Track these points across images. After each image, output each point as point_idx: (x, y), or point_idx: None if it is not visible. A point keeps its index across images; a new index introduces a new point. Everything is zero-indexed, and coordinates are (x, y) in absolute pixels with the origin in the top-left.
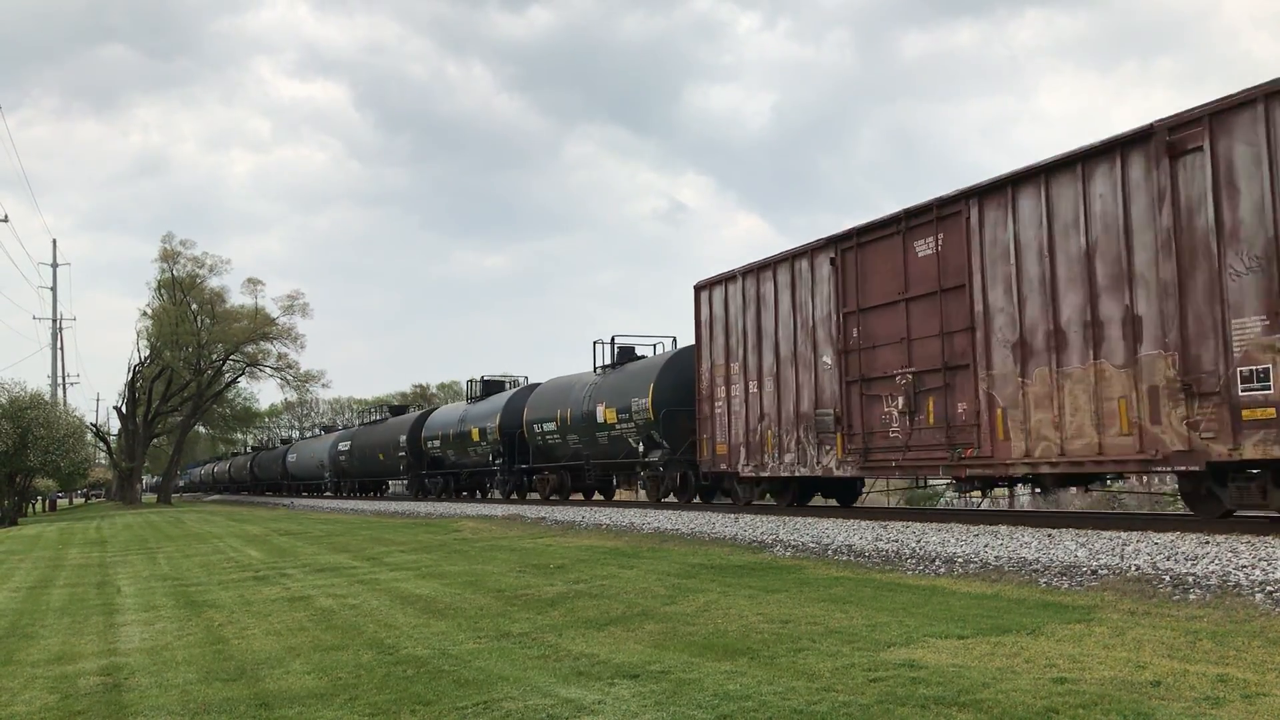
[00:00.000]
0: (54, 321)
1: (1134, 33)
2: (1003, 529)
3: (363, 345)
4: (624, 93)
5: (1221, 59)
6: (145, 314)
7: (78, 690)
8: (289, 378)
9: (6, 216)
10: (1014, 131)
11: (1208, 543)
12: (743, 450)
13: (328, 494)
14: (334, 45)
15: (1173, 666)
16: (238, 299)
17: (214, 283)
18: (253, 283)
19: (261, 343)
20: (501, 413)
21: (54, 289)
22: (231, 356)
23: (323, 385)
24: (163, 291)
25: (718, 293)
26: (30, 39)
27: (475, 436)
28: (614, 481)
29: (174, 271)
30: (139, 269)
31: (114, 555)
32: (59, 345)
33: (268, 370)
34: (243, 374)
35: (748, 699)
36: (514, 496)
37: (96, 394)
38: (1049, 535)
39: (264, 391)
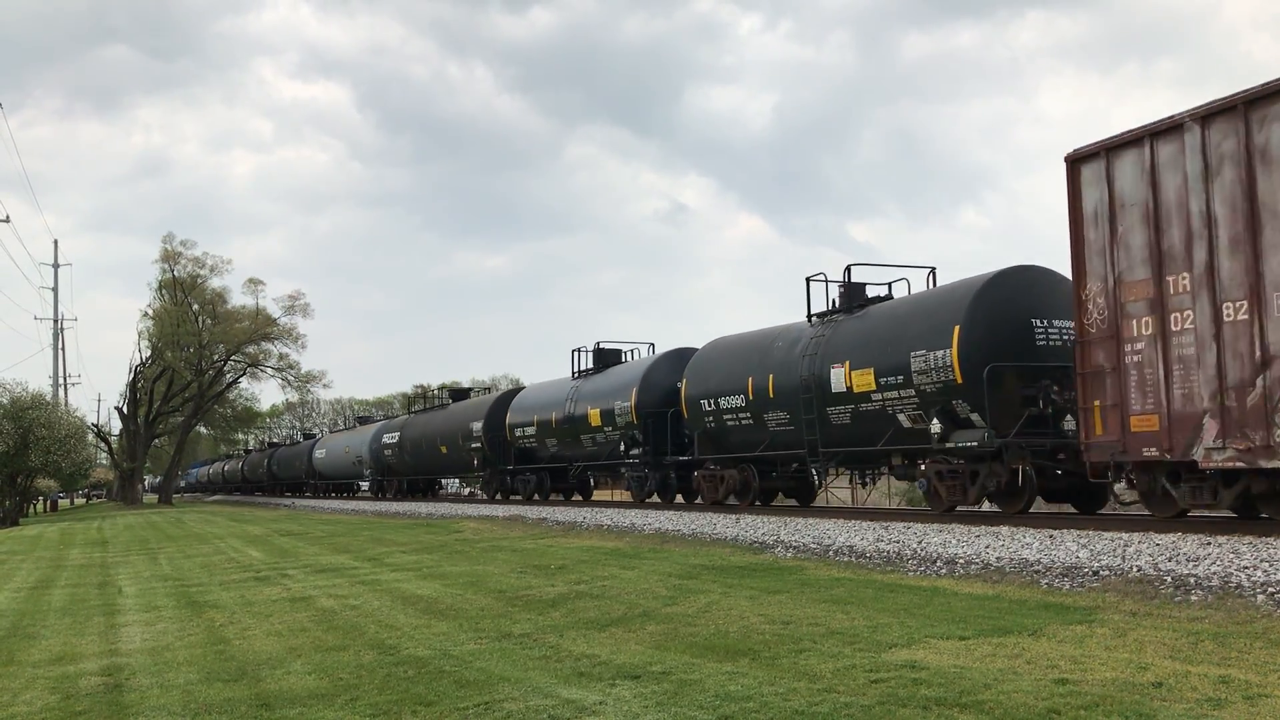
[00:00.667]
0: (55, 322)
1: (1135, 34)
2: (1004, 530)
3: (364, 346)
4: (625, 94)
5: (1222, 61)
6: (146, 314)
7: (79, 690)
8: (290, 378)
9: (8, 217)
10: (1015, 133)
11: (1209, 544)
12: (1208, 424)
13: (365, 495)
14: (336, 46)
15: (1174, 668)
16: (239, 299)
17: (215, 283)
18: (254, 283)
19: (263, 343)
20: (639, 387)
21: (55, 289)
22: (233, 357)
23: (324, 385)
24: (164, 292)
25: (1128, 163)
26: (33, 39)
27: (595, 420)
28: (817, 480)
29: (175, 272)
30: (140, 269)
31: (115, 555)
32: (60, 345)
33: (269, 371)
34: (244, 374)
35: (749, 700)
36: (654, 498)
37: (98, 394)
38: (1050, 536)
39: (265, 392)
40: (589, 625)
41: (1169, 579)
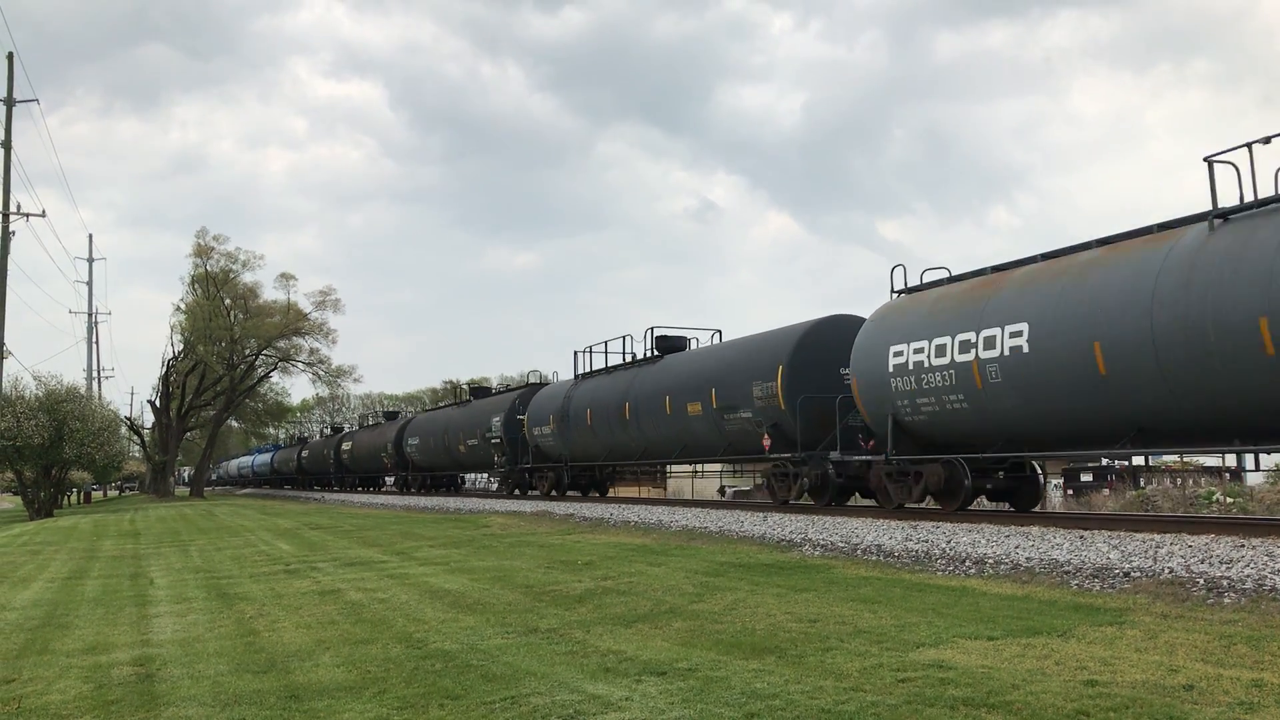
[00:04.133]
0: (89, 315)
1: (1168, 34)
2: (1034, 530)
3: (394, 341)
4: (656, 92)
5: (1258, 60)
6: (179, 309)
7: (111, 680)
8: (321, 373)
9: (44, 212)
10: (1047, 132)
11: (1243, 546)
12: None
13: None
14: (370, 45)
15: (1206, 671)
16: (271, 294)
17: (247, 278)
18: (285, 278)
19: (294, 338)
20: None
21: (89, 283)
22: (264, 351)
23: (354, 380)
24: (196, 286)
25: None
26: (76, 39)
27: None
28: None
29: (208, 266)
30: (175, 264)
31: (147, 547)
32: (94, 339)
33: (300, 365)
34: (275, 369)
35: (775, 698)
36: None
37: (131, 387)
38: (1081, 537)
39: (296, 386)
40: (615, 621)
41: (1201, 581)
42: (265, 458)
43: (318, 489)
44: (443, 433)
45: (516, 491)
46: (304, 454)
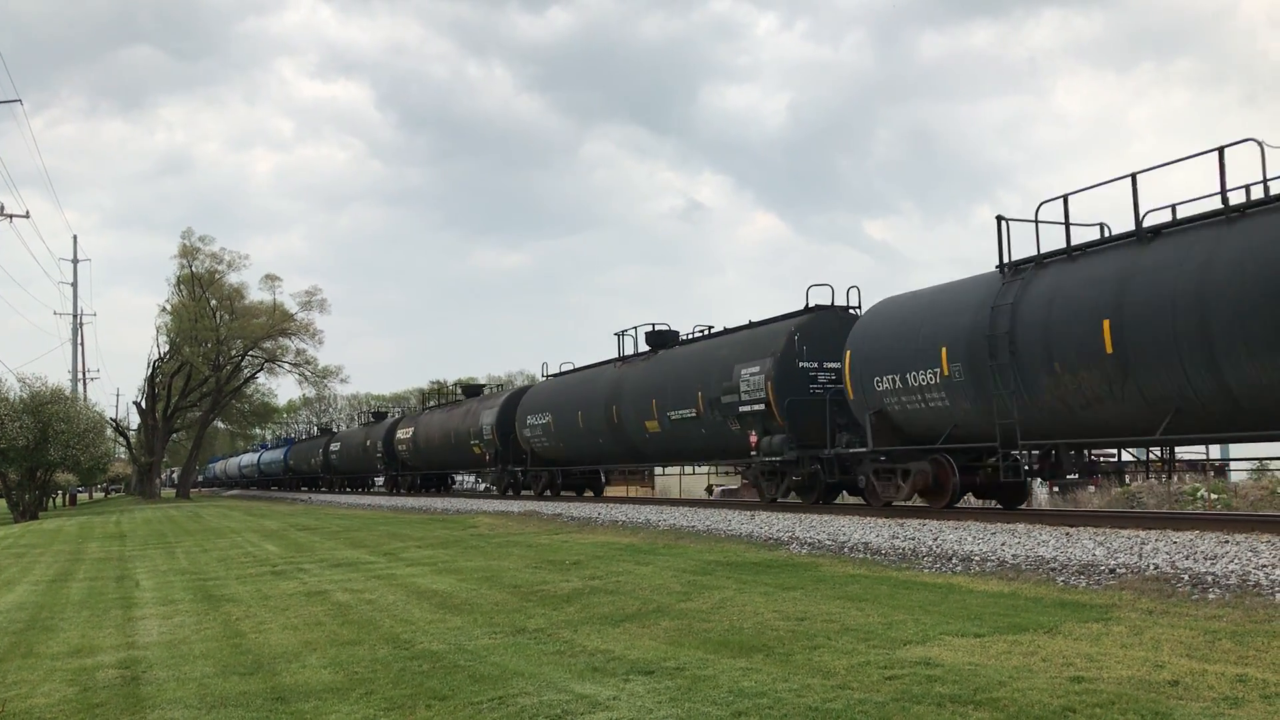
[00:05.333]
0: (74, 317)
1: (1151, 33)
2: (1020, 527)
3: (381, 342)
4: (642, 93)
5: (1239, 59)
6: (165, 310)
7: (96, 683)
8: (307, 373)
9: (28, 213)
10: (1032, 131)
11: (1227, 542)
12: None
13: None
14: (356, 46)
15: (1191, 666)
16: (256, 295)
17: (233, 279)
18: (270, 279)
19: (280, 338)
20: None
21: (74, 284)
22: (250, 352)
23: (341, 381)
24: (182, 287)
25: None
26: (61, 40)
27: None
28: None
29: (193, 267)
30: (160, 266)
31: (133, 549)
32: (79, 341)
33: (286, 366)
34: (261, 369)
35: (763, 696)
36: None
37: (116, 389)
38: (1067, 534)
39: (282, 387)
40: (603, 621)
41: (1186, 577)
42: (276, 454)
43: (349, 490)
44: (606, 403)
45: (793, 496)
46: (333, 447)
